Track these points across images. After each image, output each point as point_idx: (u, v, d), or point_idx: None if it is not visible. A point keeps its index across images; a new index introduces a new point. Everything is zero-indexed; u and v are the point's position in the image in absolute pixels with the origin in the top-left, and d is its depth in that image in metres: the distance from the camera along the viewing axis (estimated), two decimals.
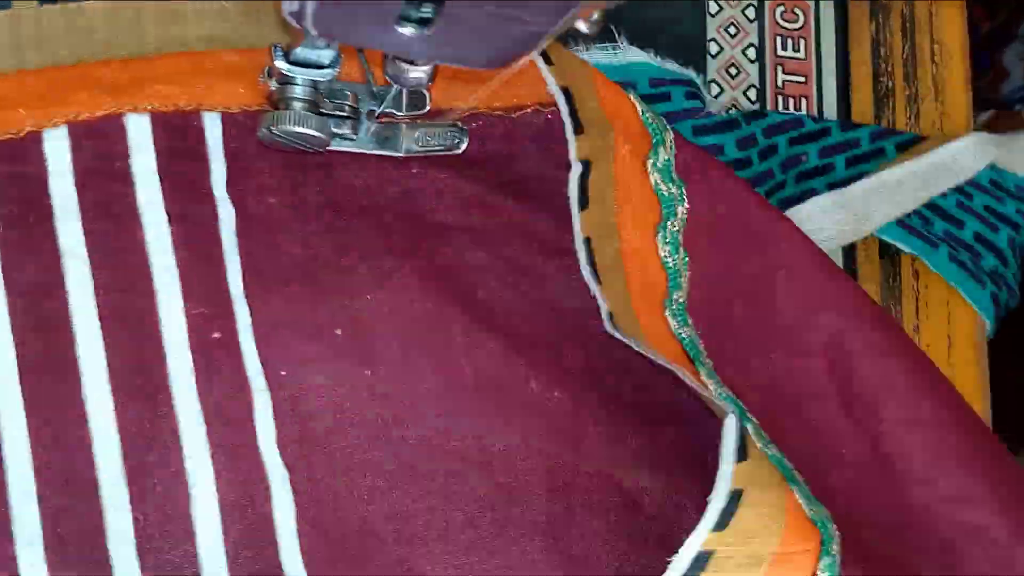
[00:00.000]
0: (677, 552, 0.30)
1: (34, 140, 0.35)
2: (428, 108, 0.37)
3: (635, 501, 0.36)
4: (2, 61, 0.36)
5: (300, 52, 0.33)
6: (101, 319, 0.34)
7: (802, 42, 0.45)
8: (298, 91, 0.34)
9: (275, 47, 0.33)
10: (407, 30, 0.26)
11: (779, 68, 0.44)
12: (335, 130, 0.35)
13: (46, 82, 0.36)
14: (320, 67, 0.34)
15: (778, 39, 0.44)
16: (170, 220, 0.35)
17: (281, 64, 0.33)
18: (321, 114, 0.35)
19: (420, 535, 0.35)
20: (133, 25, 0.36)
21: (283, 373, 0.35)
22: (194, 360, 0.34)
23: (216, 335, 0.35)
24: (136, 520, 0.33)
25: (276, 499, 0.34)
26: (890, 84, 0.45)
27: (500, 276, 0.37)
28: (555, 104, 0.38)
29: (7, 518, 0.32)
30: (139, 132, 0.36)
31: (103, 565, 0.33)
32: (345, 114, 0.36)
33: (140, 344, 0.34)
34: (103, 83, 0.36)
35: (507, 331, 0.36)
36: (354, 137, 0.36)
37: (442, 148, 0.37)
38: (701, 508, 0.30)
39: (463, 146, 0.37)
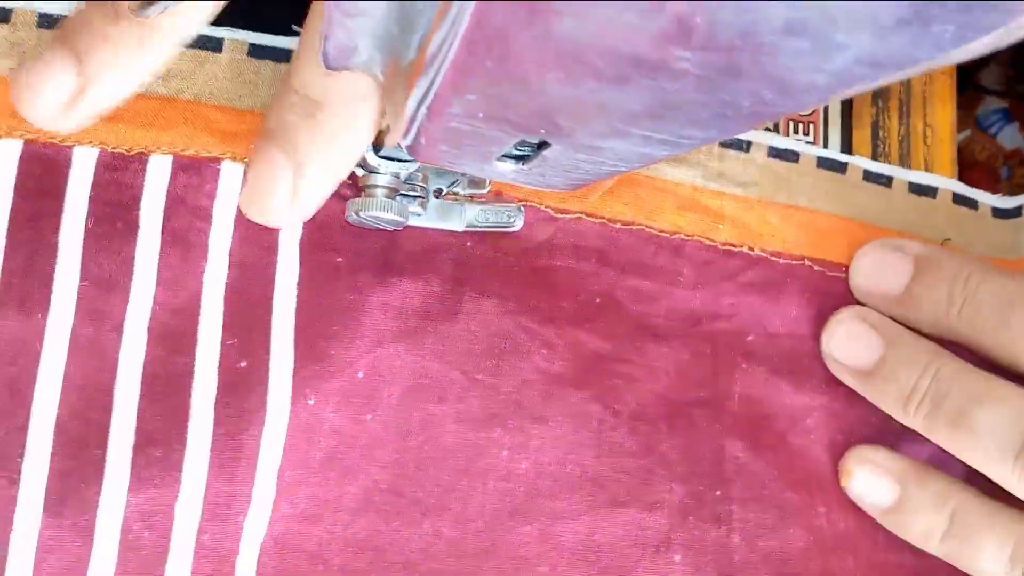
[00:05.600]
0: None
1: (140, 160, 0.39)
2: (488, 189, 0.42)
3: None
4: None
5: (388, 148, 0.37)
6: (149, 330, 0.38)
7: (811, 127, 0.50)
8: (381, 179, 0.38)
9: None
10: (506, 166, 0.31)
11: None
12: (410, 209, 0.40)
13: (160, 108, 0.39)
14: (404, 160, 0.38)
15: (790, 124, 0.49)
16: (230, 264, 0.39)
17: (371, 157, 0.38)
18: (398, 195, 0.39)
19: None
20: (252, 81, 0.40)
21: (310, 402, 0.39)
22: (218, 381, 0.38)
23: (243, 364, 0.38)
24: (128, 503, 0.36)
25: (251, 518, 0.38)
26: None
27: (495, 356, 0.41)
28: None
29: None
30: (231, 180, 0.39)
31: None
32: (417, 193, 0.40)
33: (173, 359, 0.38)
34: (212, 126, 0.39)
35: (495, 411, 0.41)
36: (422, 212, 0.41)
37: (498, 225, 0.42)
38: None
39: (518, 224, 0.42)
